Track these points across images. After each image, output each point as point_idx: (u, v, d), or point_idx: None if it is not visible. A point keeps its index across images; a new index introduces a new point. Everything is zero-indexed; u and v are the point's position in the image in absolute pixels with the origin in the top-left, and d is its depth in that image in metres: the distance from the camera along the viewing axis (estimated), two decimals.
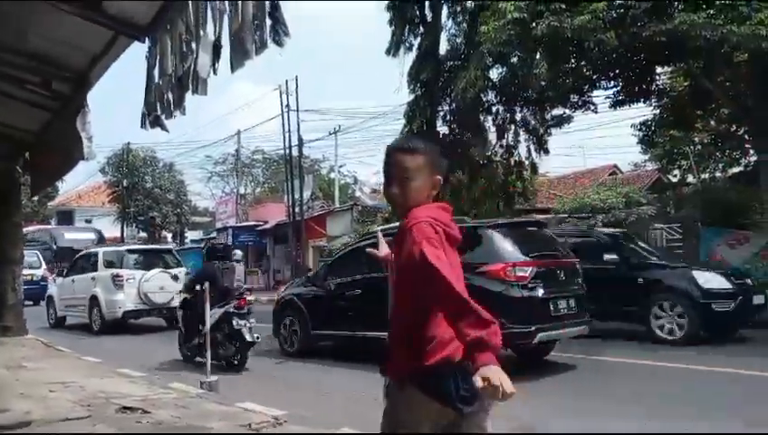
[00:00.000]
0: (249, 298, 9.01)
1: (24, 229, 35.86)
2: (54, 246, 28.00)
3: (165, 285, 13.80)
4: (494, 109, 19.58)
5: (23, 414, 5.54)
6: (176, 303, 11.26)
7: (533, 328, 7.44)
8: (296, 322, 10.03)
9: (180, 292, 10.52)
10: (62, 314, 15.64)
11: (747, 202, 16.09)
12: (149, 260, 14.82)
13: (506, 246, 7.96)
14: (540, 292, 7.62)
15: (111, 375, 7.87)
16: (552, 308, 7.71)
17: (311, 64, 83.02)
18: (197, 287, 8.61)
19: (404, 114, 19.57)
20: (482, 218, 18.51)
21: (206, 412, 5.78)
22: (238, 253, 15.20)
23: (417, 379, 2.18)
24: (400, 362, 2.28)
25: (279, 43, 2.86)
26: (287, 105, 29.02)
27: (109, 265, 14.33)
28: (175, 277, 13.95)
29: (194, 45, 3.36)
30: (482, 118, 19.46)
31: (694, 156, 22.45)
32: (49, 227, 34.39)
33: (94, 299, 13.76)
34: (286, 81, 29.37)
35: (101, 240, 30.24)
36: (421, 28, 19.13)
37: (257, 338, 8.71)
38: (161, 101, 3.77)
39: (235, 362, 8.68)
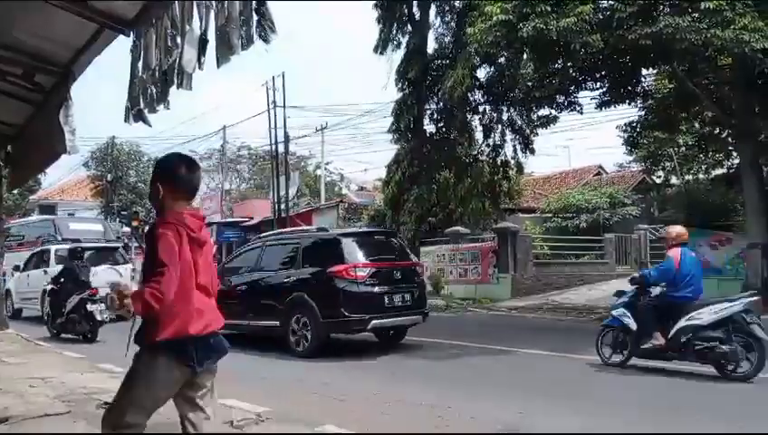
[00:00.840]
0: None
1: (25, 219, 34.71)
2: (59, 238, 27.41)
3: (111, 280, 14.28)
4: (480, 108, 19.68)
5: (1, 410, 5.48)
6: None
7: (367, 317, 9.18)
8: None
9: (47, 283, 12.82)
10: (19, 306, 16.71)
11: (729, 204, 16.30)
12: (99, 257, 15.87)
13: (352, 251, 9.65)
14: (375, 288, 9.39)
15: (92, 371, 7.81)
16: (386, 301, 9.43)
17: (298, 61, 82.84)
18: (61, 280, 11.89)
19: (391, 112, 19.60)
20: (472, 217, 19.16)
21: None
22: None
23: (165, 346, 2.96)
24: (151, 334, 2.96)
25: (265, 40, 2.84)
26: (273, 101, 28.91)
27: (60, 260, 15.00)
28: (120, 274, 15.12)
29: (179, 40, 3.33)
30: (469, 117, 19.53)
31: (677, 157, 22.68)
32: (53, 217, 32.09)
33: (45, 292, 14.14)
34: (273, 77, 29.27)
35: (107, 234, 29.04)
36: (409, 26, 19.17)
37: (107, 318, 10.89)
38: (144, 95, 3.73)
39: (89, 336, 11.22)
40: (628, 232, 22.02)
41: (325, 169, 43.27)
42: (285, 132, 29.14)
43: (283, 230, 13.14)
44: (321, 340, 9.33)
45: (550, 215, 24.62)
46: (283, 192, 28.60)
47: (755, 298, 7.36)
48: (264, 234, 13.46)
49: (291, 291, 9.70)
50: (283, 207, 28.44)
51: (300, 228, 13.04)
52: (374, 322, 9.25)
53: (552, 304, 16.68)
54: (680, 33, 10.68)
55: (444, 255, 21.16)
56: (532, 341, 10.52)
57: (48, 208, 43.04)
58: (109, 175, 42.22)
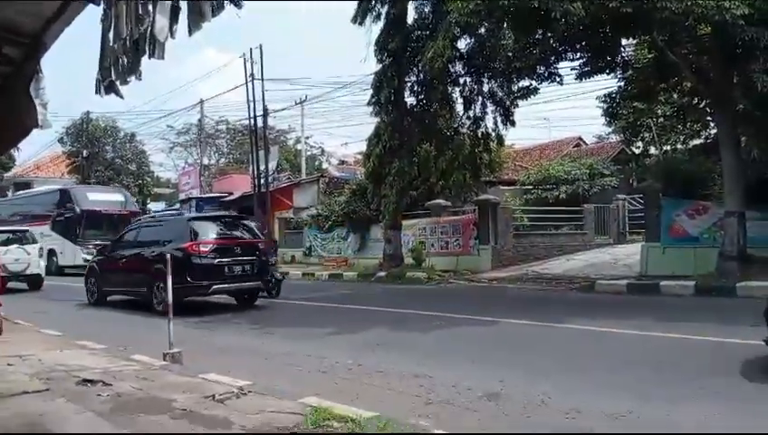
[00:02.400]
0: None
1: (35, 189, 33.49)
2: (77, 209, 25.08)
3: (20, 258, 17.97)
4: (461, 80, 19.53)
5: None
6: (31, 271, 18.27)
7: (208, 283, 11.71)
8: (95, 281, 14.07)
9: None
10: None
11: (707, 174, 16.44)
12: (10, 238, 18.89)
13: (199, 231, 12.21)
14: (216, 260, 11.85)
15: (71, 348, 7.74)
16: (226, 271, 11.94)
17: (276, 33, 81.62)
18: None
19: (371, 84, 19.39)
20: (453, 189, 19.49)
21: (169, 384, 5.72)
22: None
23: None
24: None
25: (237, 5, 2.77)
26: (251, 74, 28.49)
27: None
28: (28, 252, 18.39)
29: (150, 8, 3.23)
30: (449, 89, 19.39)
31: (656, 128, 22.80)
32: (68, 187, 30.15)
33: None
34: (251, 49, 28.80)
35: (129, 204, 27.63)
36: None
37: None
38: (116, 66, 3.63)
39: None
40: (607, 202, 22.22)
41: (305, 143, 42.98)
42: (264, 106, 28.78)
43: (155, 214, 16.69)
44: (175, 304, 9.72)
45: (530, 187, 24.75)
46: (262, 167, 28.34)
47: None
48: (144, 216, 16.81)
49: (154, 263, 11.85)
50: (262, 181, 28.21)
51: (168, 212, 16.41)
52: (215, 287, 11.88)
53: (532, 275, 16.85)
54: (661, 2, 10.64)
55: (425, 227, 21.21)
56: (513, 311, 10.63)
57: (23, 185, 42.28)
58: (84, 151, 41.53)
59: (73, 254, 24.88)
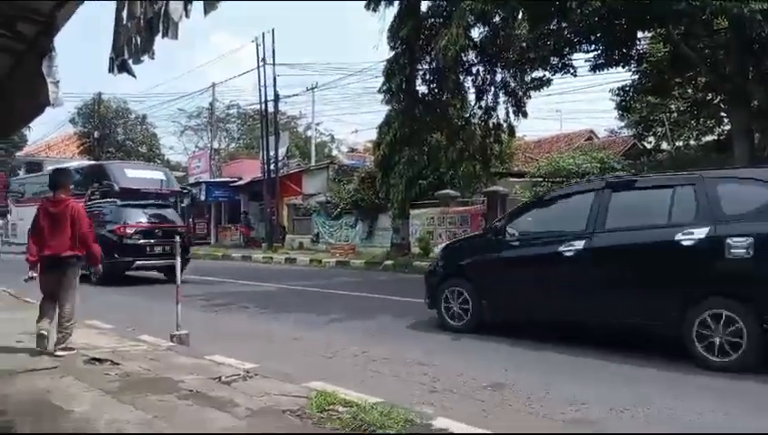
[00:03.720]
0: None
1: (71, 164, 32.68)
2: (116, 187, 22.53)
3: None
4: (474, 69, 19.40)
5: None
6: None
7: (132, 259, 14.62)
8: None
9: None
10: None
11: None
12: None
13: (126, 216, 15.25)
14: (141, 241, 14.74)
15: (80, 327, 7.77)
16: (148, 250, 14.76)
17: (289, 18, 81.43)
18: None
19: (383, 72, 19.29)
20: (463, 180, 19.48)
21: (176, 365, 5.77)
22: None
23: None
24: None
25: None
26: (263, 59, 28.45)
27: None
28: None
29: None
30: (462, 78, 19.27)
31: (669, 123, 22.63)
32: (105, 163, 28.04)
33: None
34: (263, 33, 28.76)
35: (170, 183, 25.57)
36: None
37: None
38: (129, 45, 3.61)
39: None
40: None
41: (316, 129, 42.96)
42: (275, 91, 28.77)
43: (107, 200, 18.11)
44: (106, 275, 11.16)
45: (540, 179, 24.59)
46: (272, 153, 28.34)
47: None
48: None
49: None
50: (272, 167, 28.23)
51: (110, 200, 17.76)
52: (138, 262, 14.77)
53: None
54: None
55: (433, 217, 21.16)
56: None
57: (35, 165, 42.52)
58: (96, 132, 41.68)
59: None
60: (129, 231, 14.81)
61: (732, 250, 5.67)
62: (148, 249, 14.81)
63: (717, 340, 5.68)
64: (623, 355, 6.24)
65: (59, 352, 6.10)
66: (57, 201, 6.40)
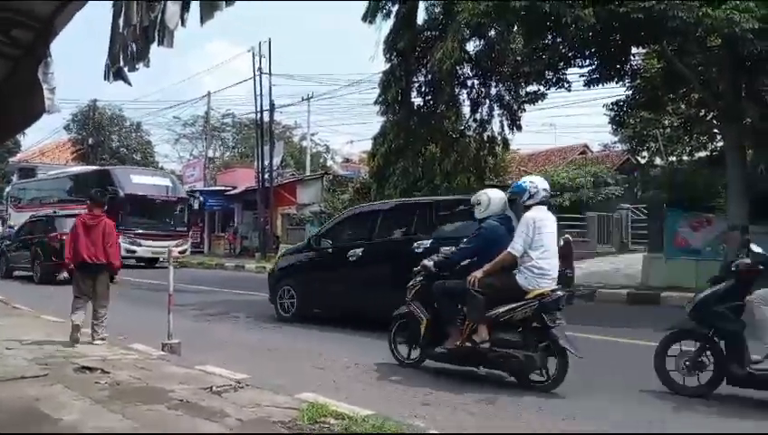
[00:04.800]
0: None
1: (74, 169, 31.82)
2: (122, 193, 22.07)
3: None
4: (469, 82, 19.49)
5: None
6: None
7: (68, 261, 15.86)
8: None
9: None
10: None
11: (712, 186, 16.40)
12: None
13: (63, 225, 16.16)
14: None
15: (68, 338, 7.73)
16: None
17: (286, 28, 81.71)
18: None
19: (379, 83, 19.35)
20: (457, 192, 19.78)
21: (167, 374, 5.73)
22: None
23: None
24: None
25: None
26: (259, 68, 28.50)
27: None
28: None
29: None
30: (457, 91, 19.35)
31: (662, 139, 22.75)
32: (111, 168, 27.69)
33: None
34: (259, 43, 28.81)
35: (177, 190, 25.17)
36: None
37: None
38: (125, 53, 3.61)
39: None
40: (611, 211, 22.18)
41: (311, 139, 42.98)
42: (271, 100, 28.80)
43: (45, 212, 20.56)
44: (46, 275, 16.40)
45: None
46: (267, 162, 28.32)
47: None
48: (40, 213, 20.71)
49: (36, 247, 17.21)
50: (267, 176, 28.21)
51: (49, 212, 19.96)
52: (72, 266, 14.90)
53: None
54: (672, 10, 10.61)
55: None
56: None
57: (28, 171, 42.37)
58: (90, 139, 41.59)
59: None
60: (65, 238, 15.32)
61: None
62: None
63: None
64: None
65: (97, 341, 7.31)
66: (94, 216, 7.80)
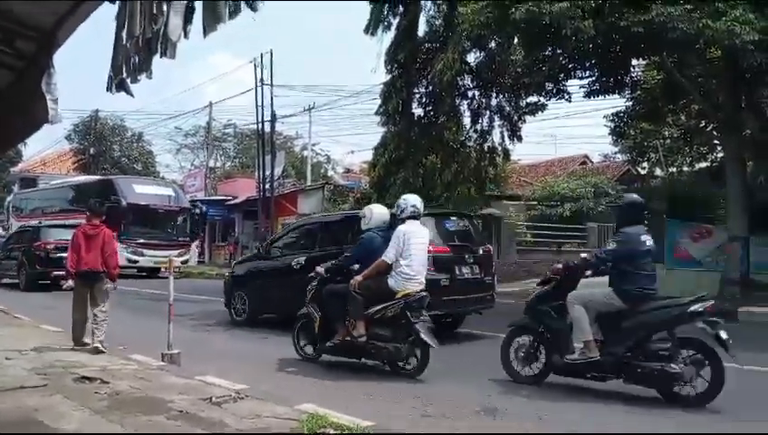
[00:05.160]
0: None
1: (77, 178, 31.71)
2: (124, 203, 21.90)
3: None
4: (469, 93, 19.56)
5: None
6: None
7: (50, 270, 16.81)
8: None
9: None
10: None
11: (712, 197, 16.41)
12: None
13: (46, 235, 18.20)
14: (58, 254, 15.89)
15: (70, 344, 7.73)
16: (64, 262, 16.27)
17: (288, 40, 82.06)
18: None
19: (380, 94, 19.43)
20: (458, 202, 19.82)
21: (167, 385, 5.72)
22: None
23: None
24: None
25: (253, 8, 2.78)
26: (261, 79, 28.59)
27: None
28: None
29: (165, 7, 3.24)
30: (457, 102, 19.42)
31: (663, 150, 22.79)
32: (112, 177, 27.81)
33: None
34: (261, 54, 28.92)
35: (179, 199, 25.07)
36: (401, 7, 18.91)
37: None
38: (128, 64, 3.64)
39: None
40: (611, 222, 22.15)
41: (312, 150, 43.04)
42: (272, 111, 28.87)
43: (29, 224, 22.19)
44: (31, 283, 17.39)
45: (534, 202, 24.70)
46: (268, 172, 28.34)
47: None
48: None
49: (21, 256, 18.02)
50: (268, 186, 28.22)
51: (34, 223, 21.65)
52: (54, 273, 16.01)
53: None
54: (672, 22, 10.66)
55: None
56: None
57: (29, 181, 42.42)
58: (92, 149, 41.68)
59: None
60: (49, 247, 17.37)
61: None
62: (64, 262, 15.57)
63: None
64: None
65: (96, 344, 7.42)
66: (94, 226, 7.99)
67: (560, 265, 6.35)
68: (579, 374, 5.94)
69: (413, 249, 6.67)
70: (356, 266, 7.06)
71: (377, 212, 7.37)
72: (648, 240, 5.96)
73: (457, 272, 8.99)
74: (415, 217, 6.94)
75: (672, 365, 5.44)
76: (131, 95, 3.77)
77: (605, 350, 5.77)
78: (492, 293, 9.79)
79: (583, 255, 6.43)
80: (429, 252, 7.54)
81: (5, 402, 4.94)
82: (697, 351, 5.48)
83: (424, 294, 6.65)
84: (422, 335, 6.36)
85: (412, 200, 7.04)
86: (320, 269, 7.36)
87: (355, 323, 6.71)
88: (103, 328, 7.58)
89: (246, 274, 11.32)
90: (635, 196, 6.41)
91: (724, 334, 5.36)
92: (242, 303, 10.93)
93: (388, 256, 6.63)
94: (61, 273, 16.61)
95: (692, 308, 5.58)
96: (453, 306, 8.98)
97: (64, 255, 16.80)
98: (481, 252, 9.55)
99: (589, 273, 6.31)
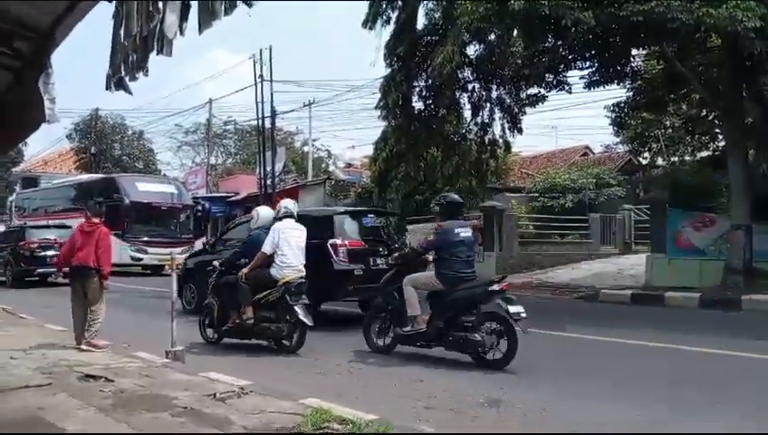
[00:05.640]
0: None
1: (79, 177, 31.76)
2: (127, 201, 22.04)
3: None
4: (469, 86, 19.49)
5: None
6: None
7: (34, 268, 18.50)
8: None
9: None
10: None
11: (714, 186, 16.37)
12: None
13: (32, 234, 19.38)
14: (41, 253, 18.31)
15: (74, 343, 7.75)
16: (47, 260, 17.72)
17: (286, 35, 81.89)
18: None
19: (379, 88, 19.38)
20: (458, 195, 20.01)
21: (171, 382, 5.74)
22: None
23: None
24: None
25: (248, 4, 2.78)
26: (260, 75, 28.54)
27: None
28: None
29: (161, 4, 3.24)
30: (457, 95, 19.37)
31: (664, 139, 22.74)
32: (115, 175, 27.78)
33: None
34: (260, 50, 28.84)
35: (182, 197, 25.27)
36: (399, 1, 18.85)
37: None
38: (126, 63, 3.64)
39: None
40: (613, 212, 22.15)
41: (312, 145, 43.01)
42: (272, 107, 28.83)
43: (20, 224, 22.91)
44: (17, 279, 18.42)
45: (536, 194, 24.68)
46: (269, 168, 28.34)
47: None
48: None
49: (7, 255, 18.91)
50: (269, 182, 28.23)
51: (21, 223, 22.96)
52: (39, 271, 18.18)
53: (537, 283, 16.79)
54: (672, 12, 10.61)
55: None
56: None
57: (31, 181, 42.47)
58: (93, 147, 41.70)
59: (119, 250, 20.79)
60: (33, 245, 18.57)
61: None
62: (47, 259, 17.61)
63: None
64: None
65: (83, 346, 7.43)
66: (91, 223, 8.06)
67: (397, 255, 7.85)
68: (412, 343, 7.25)
69: (289, 242, 7.85)
70: (243, 261, 8.16)
71: (262, 214, 8.71)
72: (463, 232, 7.11)
73: (371, 263, 9.91)
74: (289, 216, 8.22)
75: (475, 335, 6.63)
76: (130, 93, 3.78)
77: (432, 323, 6.99)
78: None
79: (413, 245, 8.25)
80: (344, 246, 9.66)
81: (11, 402, 4.97)
82: (499, 323, 6.64)
83: (302, 280, 7.73)
84: (300, 316, 7.45)
85: (285, 204, 8.47)
86: (216, 263, 8.57)
87: (245, 309, 7.78)
88: (94, 328, 7.60)
89: (194, 267, 11.92)
90: (455, 196, 7.82)
91: (513, 309, 6.56)
92: (191, 293, 11.93)
93: (266, 248, 7.76)
94: (45, 270, 17.98)
95: (491, 288, 6.79)
96: (367, 293, 9.53)
97: (49, 253, 17.57)
98: (396, 245, 10.51)
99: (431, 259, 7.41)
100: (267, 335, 7.81)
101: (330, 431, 4.13)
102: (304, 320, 7.46)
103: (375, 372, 6.58)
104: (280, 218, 8.18)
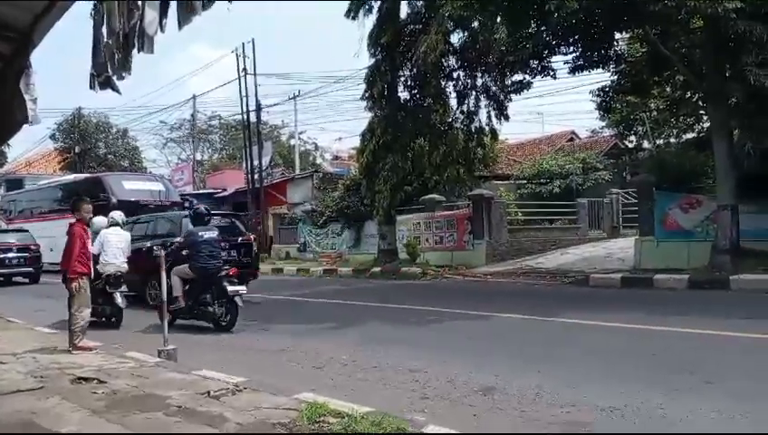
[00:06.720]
0: None
1: (65, 178, 31.45)
2: (114, 199, 21.53)
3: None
4: (454, 74, 19.49)
5: None
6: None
7: None
8: None
9: None
10: None
11: (700, 167, 16.48)
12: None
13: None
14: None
15: (66, 346, 7.69)
16: (7, 262, 20.04)
17: (268, 28, 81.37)
18: None
19: (364, 79, 19.32)
20: (447, 184, 19.91)
21: (165, 381, 5.70)
22: None
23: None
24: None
25: None
26: (244, 69, 28.39)
27: None
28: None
29: (140, 1, 3.19)
30: (443, 83, 19.35)
31: (649, 122, 22.86)
32: (101, 174, 27.45)
33: None
34: (243, 43, 28.70)
35: (170, 194, 24.99)
36: None
37: None
38: (112, 62, 3.59)
39: None
40: (601, 197, 22.28)
41: (299, 138, 42.86)
42: (257, 101, 28.71)
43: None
44: None
45: (524, 181, 24.77)
46: (256, 162, 28.23)
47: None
48: None
49: None
50: (256, 177, 28.12)
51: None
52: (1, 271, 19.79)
53: (527, 269, 16.88)
54: None
55: (419, 223, 21.20)
56: (508, 305, 10.62)
57: (15, 182, 41.98)
58: (77, 147, 41.31)
59: None
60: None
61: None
62: (7, 262, 19.79)
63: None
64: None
65: (72, 350, 7.40)
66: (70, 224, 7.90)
67: (169, 250, 9.76)
68: (180, 316, 9.38)
69: (110, 245, 9.85)
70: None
71: (98, 221, 10.20)
72: (207, 234, 9.52)
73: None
74: (114, 224, 10.25)
75: (209, 308, 9.28)
76: (118, 92, 3.73)
77: (187, 301, 9.35)
78: (254, 269, 13.70)
79: (175, 243, 10.58)
80: None
81: (3, 407, 4.92)
82: (227, 300, 9.20)
83: (117, 274, 9.81)
84: (117, 301, 9.79)
85: (113, 215, 10.46)
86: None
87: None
88: (76, 331, 7.46)
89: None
90: (201, 208, 10.35)
91: (231, 288, 9.11)
92: (154, 290, 12.97)
93: (94, 249, 8.93)
94: (7, 271, 19.95)
95: (221, 274, 9.31)
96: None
97: (9, 255, 19.93)
98: (239, 241, 13.46)
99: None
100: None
101: (325, 425, 4.13)
102: (119, 303, 9.80)
103: (370, 364, 6.58)
104: (107, 226, 10.19)
